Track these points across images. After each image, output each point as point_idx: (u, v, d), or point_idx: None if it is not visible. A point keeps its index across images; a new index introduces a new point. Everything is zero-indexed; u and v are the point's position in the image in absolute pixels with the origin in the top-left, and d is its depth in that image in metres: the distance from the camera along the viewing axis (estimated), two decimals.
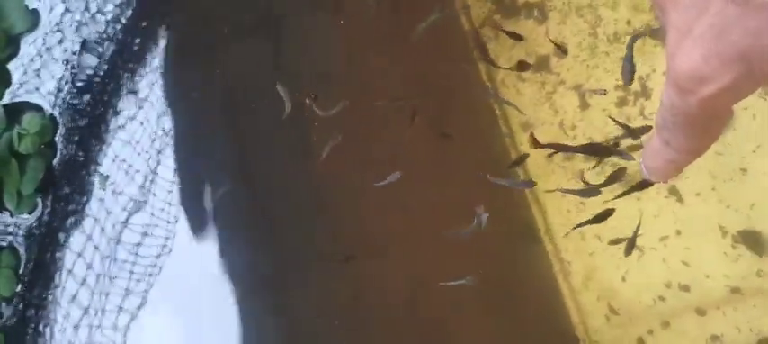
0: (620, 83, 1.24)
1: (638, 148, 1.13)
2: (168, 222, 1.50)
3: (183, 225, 1.51)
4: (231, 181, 1.50)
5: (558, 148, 1.03)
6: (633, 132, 1.06)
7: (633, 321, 1.25)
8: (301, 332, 1.39)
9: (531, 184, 1.25)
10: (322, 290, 1.41)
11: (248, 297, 1.42)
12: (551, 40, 1.15)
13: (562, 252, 1.30)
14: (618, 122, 1.10)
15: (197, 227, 1.49)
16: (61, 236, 1.28)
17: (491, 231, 1.35)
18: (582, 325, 1.28)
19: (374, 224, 1.39)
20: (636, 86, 1.22)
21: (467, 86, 1.35)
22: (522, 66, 1.26)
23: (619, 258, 1.26)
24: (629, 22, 1.23)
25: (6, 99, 1.30)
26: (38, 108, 1.28)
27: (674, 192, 1.21)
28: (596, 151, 1.12)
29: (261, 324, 1.41)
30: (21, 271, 1.23)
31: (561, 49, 1.13)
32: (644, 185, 0.97)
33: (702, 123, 0.34)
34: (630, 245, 1.10)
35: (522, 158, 1.23)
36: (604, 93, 1.17)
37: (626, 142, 1.14)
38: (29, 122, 1.23)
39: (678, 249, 1.21)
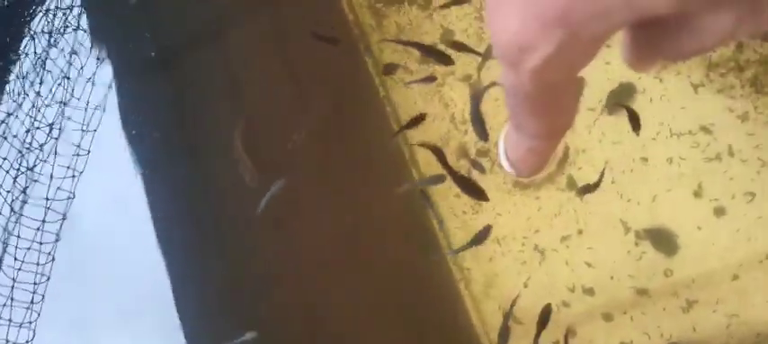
0: None
1: None
2: (41, 244, 1.37)
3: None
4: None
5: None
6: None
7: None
8: None
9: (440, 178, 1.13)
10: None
11: None
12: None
13: (460, 259, 1.18)
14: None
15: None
16: None
17: (388, 239, 1.24)
18: (486, 337, 1.17)
19: (267, 237, 1.27)
20: None
21: (355, 82, 1.24)
22: (388, 69, 1.17)
23: (520, 262, 1.15)
24: None
25: None
26: None
27: (572, 185, 1.11)
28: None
29: None
30: None
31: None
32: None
33: (543, 99, 0.30)
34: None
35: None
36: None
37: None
38: None
39: (581, 250, 1.10)
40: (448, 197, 1.18)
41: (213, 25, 1.37)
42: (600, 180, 1.03)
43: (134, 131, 1.38)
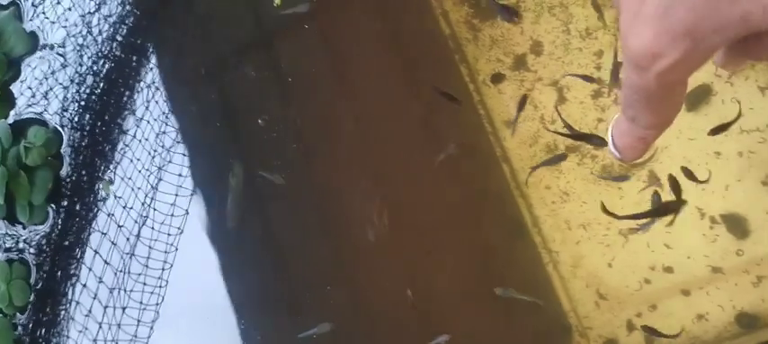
0: (596, 75, 1.30)
1: None
2: (168, 235, 1.55)
3: (190, 239, 1.55)
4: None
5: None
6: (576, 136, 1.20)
7: (622, 305, 1.28)
8: None
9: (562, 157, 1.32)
10: (323, 299, 1.45)
11: (253, 316, 1.47)
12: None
13: (549, 243, 1.34)
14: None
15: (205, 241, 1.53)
16: (76, 251, 1.33)
17: (478, 226, 1.40)
18: (573, 312, 1.32)
19: (366, 230, 1.42)
20: (609, 77, 1.28)
21: (449, 88, 1.41)
22: (496, 78, 1.33)
23: (605, 245, 1.30)
24: (599, 18, 1.29)
25: (11, 120, 1.37)
26: (42, 122, 1.34)
27: (653, 179, 1.26)
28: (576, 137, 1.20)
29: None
30: (32, 281, 1.28)
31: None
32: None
33: (662, 96, 0.36)
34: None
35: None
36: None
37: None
38: (34, 135, 1.30)
39: (660, 233, 1.25)
40: (538, 188, 1.34)
41: (267, 34, 1.53)
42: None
43: (188, 137, 1.55)
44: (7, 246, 1.29)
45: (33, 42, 1.44)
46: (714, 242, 1.22)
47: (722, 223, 1.21)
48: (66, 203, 1.34)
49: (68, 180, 1.40)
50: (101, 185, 1.41)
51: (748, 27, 0.31)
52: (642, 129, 0.39)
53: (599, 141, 1.14)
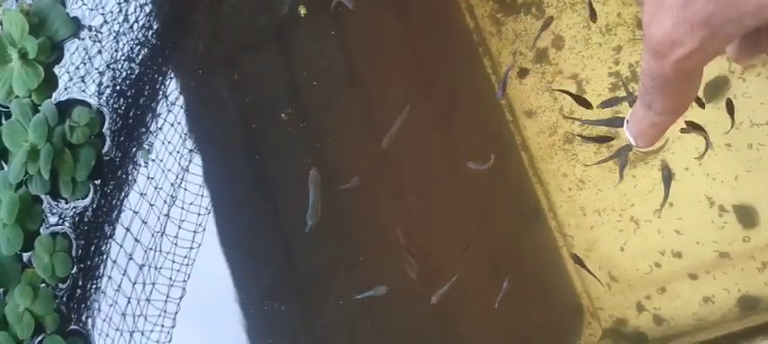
0: (613, 69, 1.36)
1: None
2: (198, 215, 1.62)
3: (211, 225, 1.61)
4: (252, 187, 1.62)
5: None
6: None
7: (632, 288, 1.36)
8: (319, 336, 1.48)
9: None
10: (334, 285, 1.51)
11: (256, 305, 1.53)
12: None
13: (564, 228, 1.41)
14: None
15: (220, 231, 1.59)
16: (107, 229, 1.40)
17: (496, 212, 1.47)
18: (585, 293, 1.39)
19: (382, 216, 1.49)
20: (626, 71, 1.34)
21: (471, 80, 1.47)
22: (523, 73, 1.40)
23: (618, 230, 1.38)
24: (619, 15, 1.36)
25: (55, 100, 1.43)
26: (85, 104, 1.41)
27: (665, 168, 1.33)
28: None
29: (279, 330, 1.51)
30: (73, 254, 1.35)
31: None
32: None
33: (678, 84, 0.39)
34: None
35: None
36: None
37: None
38: (78, 115, 1.36)
39: (671, 220, 1.33)
40: (556, 175, 1.41)
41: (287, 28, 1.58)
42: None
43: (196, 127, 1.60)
44: (51, 221, 1.36)
45: (76, 26, 1.50)
46: (722, 229, 1.29)
47: (731, 212, 1.28)
48: (111, 182, 1.41)
49: (108, 158, 1.47)
50: (140, 155, 1.48)
51: (762, 18, 0.32)
52: (656, 115, 0.42)
53: (611, 123, 1.21)
